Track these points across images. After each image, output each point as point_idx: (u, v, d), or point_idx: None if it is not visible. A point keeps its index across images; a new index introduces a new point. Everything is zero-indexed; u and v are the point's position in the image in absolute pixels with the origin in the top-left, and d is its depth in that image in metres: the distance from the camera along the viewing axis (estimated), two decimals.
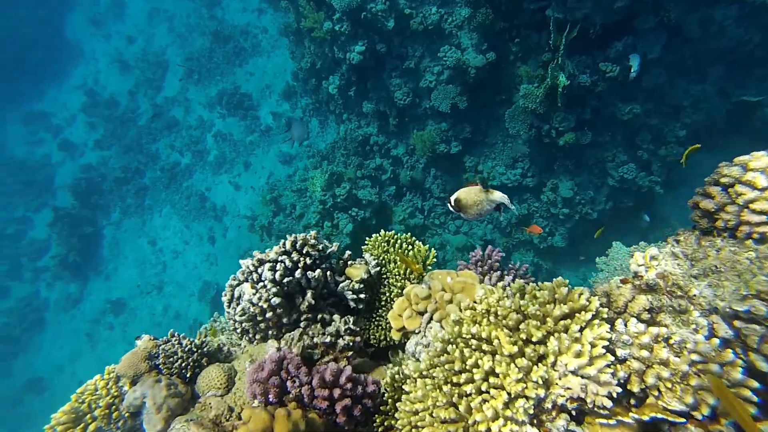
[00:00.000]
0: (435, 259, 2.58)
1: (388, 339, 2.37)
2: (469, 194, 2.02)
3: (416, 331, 2.17)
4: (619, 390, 1.28)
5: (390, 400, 1.77)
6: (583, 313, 1.40)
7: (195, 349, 2.36)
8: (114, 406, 2.12)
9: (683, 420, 1.22)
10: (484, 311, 1.53)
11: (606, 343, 1.34)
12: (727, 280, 1.38)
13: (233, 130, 14.13)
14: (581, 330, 1.37)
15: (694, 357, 1.27)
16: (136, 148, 15.54)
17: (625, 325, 1.43)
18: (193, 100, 15.18)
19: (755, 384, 1.19)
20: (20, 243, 15.46)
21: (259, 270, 2.28)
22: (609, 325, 1.42)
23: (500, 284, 2.46)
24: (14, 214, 15.96)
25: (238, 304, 2.37)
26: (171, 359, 2.30)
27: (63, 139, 16.83)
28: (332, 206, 8.76)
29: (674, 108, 7.49)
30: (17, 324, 14.32)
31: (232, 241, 13.59)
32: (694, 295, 1.43)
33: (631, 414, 1.26)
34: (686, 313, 1.42)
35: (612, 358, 1.33)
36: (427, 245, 2.58)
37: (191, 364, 2.31)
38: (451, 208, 2.10)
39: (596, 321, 1.40)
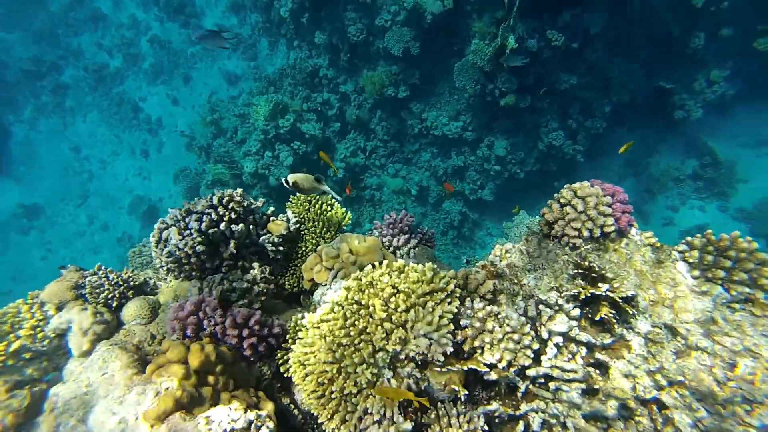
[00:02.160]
0: (350, 222, 2.91)
1: (301, 286, 2.74)
2: (304, 180, 2.46)
3: (323, 284, 2.56)
4: (451, 349, 1.75)
5: (290, 340, 2.17)
6: (440, 293, 1.83)
7: (121, 283, 2.59)
8: (39, 328, 2.34)
9: (488, 369, 1.72)
10: (368, 282, 1.91)
11: (451, 316, 1.79)
12: (546, 276, 1.85)
13: (172, 38, 12.86)
14: (435, 305, 1.81)
15: (508, 329, 1.76)
16: (49, 38, 13.65)
17: (472, 302, 1.88)
18: None
19: (535, 346, 1.71)
20: None
21: (187, 219, 2.48)
22: (460, 302, 1.87)
23: (404, 249, 2.90)
24: None
25: (165, 247, 2.58)
26: (97, 290, 2.51)
27: None
28: (274, 137, 8.66)
29: (606, 83, 8.03)
30: None
31: (168, 157, 12.99)
32: (524, 284, 1.90)
33: (456, 365, 1.75)
34: (516, 296, 1.90)
35: (452, 327, 1.79)
36: (344, 209, 2.89)
37: (117, 295, 2.55)
38: (285, 184, 2.51)
39: (449, 299, 1.83)
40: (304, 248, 2.77)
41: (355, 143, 9.47)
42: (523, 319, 1.75)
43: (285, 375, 2.15)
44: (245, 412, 1.60)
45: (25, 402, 2.05)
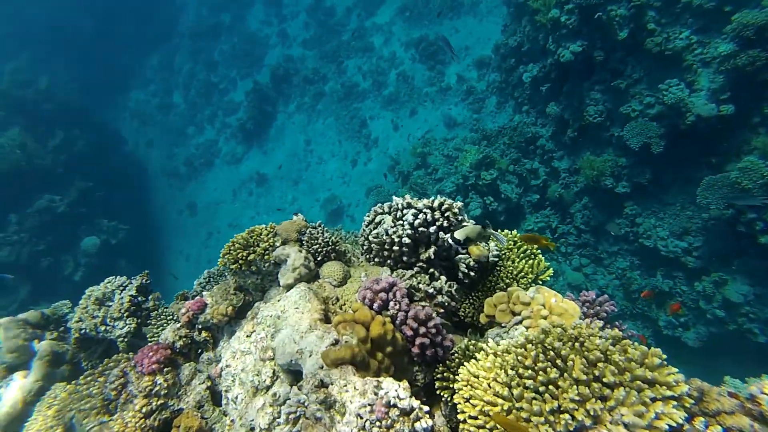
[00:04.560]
0: (549, 278, 2.71)
1: (474, 319, 2.64)
2: (472, 232, 2.44)
3: (502, 325, 2.41)
4: None
5: (457, 360, 2.09)
6: (665, 388, 1.49)
7: (331, 244, 2.95)
8: (268, 251, 2.83)
9: None
10: (573, 336, 1.70)
11: (674, 424, 1.44)
12: None
13: (416, 76, 14.78)
14: (654, 400, 1.48)
15: None
16: (331, 57, 17.26)
17: (706, 426, 1.48)
18: (395, 35, 16.10)
19: None
20: (223, 98, 18.91)
21: (404, 211, 2.70)
22: (687, 416, 1.49)
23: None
24: (229, 74, 19.44)
25: (375, 228, 2.85)
26: (312, 241, 2.92)
27: (283, 28, 19.43)
28: (472, 185, 8.91)
29: None
30: (199, 157, 18.03)
31: (370, 171, 14.67)
32: None
33: None
34: None
35: None
36: (549, 264, 2.71)
37: (324, 252, 2.91)
38: (453, 242, 2.48)
39: (675, 402, 1.48)
40: (493, 283, 2.69)
41: (547, 220, 9.01)
42: None
43: (437, 392, 2.07)
44: (411, 396, 1.58)
45: (240, 303, 2.48)
